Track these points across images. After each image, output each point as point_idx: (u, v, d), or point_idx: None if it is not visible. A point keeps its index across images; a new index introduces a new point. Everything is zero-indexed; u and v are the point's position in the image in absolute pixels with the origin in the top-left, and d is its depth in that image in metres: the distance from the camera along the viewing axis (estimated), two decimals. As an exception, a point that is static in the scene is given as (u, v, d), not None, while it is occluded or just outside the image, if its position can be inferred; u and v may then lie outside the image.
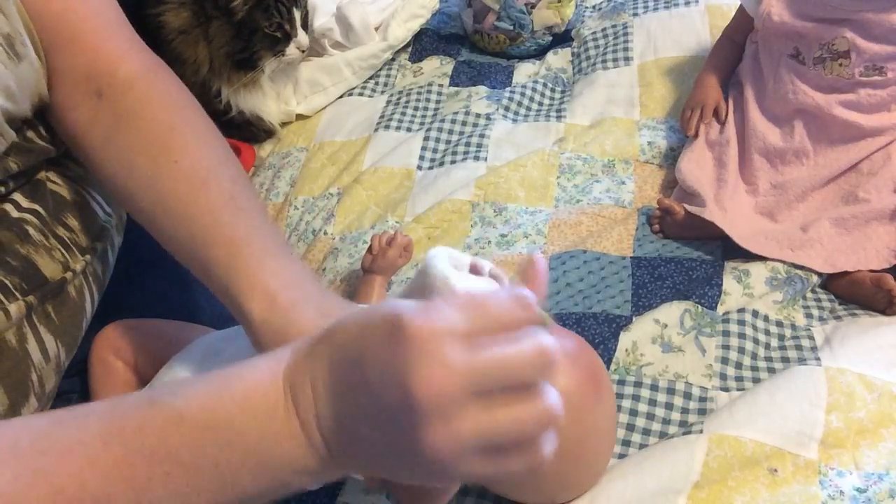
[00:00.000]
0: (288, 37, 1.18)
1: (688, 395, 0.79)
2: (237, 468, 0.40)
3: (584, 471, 0.66)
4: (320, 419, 0.40)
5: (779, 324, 0.86)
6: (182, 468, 0.39)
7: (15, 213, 0.64)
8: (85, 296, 0.71)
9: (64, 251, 0.68)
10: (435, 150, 1.18)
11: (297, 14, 1.18)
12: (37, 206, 0.67)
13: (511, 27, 1.36)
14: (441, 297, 0.41)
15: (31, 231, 0.65)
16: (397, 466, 0.40)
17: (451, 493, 0.48)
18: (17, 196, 0.66)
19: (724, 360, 0.82)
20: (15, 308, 0.61)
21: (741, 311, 0.86)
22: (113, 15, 0.66)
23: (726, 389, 0.79)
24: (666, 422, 0.77)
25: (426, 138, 1.20)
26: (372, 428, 0.39)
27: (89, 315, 0.72)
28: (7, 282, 0.61)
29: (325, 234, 1.08)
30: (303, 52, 1.22)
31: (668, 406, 0.78)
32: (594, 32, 1.36)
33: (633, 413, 0.77)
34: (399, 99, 1.31)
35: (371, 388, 0.38)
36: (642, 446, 0.75)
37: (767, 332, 0.85)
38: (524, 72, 1.35)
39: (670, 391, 0.79)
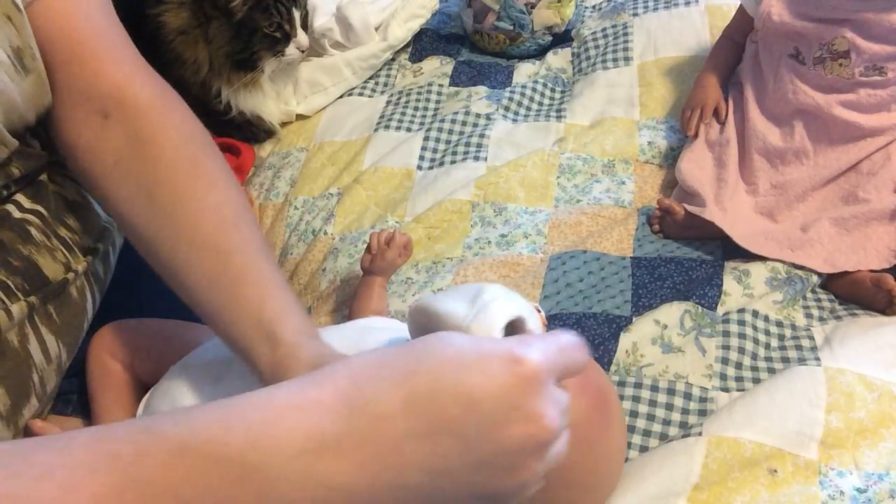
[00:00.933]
0: (287, 37, 1.18)
1: (688, 396, 0.79)
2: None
3: (592, 496, 0.65)
4: (386, 460, 0.37)
5: (779, 324, 0.86)
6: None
7: (17, 214, 0.65)
8: (86, 296, 0.71)
9: (66, 252, 0.68)
10: (435, 150, 1.18)
11: (296, 14, 1.18)
12: (39, 207, 0.67)
13: (511, 27, 1.36)
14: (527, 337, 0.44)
15: (33, 231, 0.65)
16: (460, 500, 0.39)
17: None
18: (19, 197, 0.66)
19: (725, 361, 0.82)
20: (17, 308, 0.61)
21: (741, 311, 0.86)
22: (118, 38, 0.65)
23: (726, 390, 0.79)
24: (666, 423, 0.77)
25: (426, 138, 1.20)
26: (458, 468, 0.37)
27: (90, 316, 0.73)
28: (9, 282, 0.61)
29: (325, 234, 1.08)
30: (302, 52, 1.22)
31: (669, 407, 0.78)
32: (594, 32, 1.36)
33: (634, 414, 0.77)
34: (399, 99, 1.31)
35: (481, 422, 0.37)
36: (643, 447, 0.75)
37: (767, 333, 0.85)
38: (524, 72, 1.35)
39: (670, 392, 0.79)
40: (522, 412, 0.37)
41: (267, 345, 0.56)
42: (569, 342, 0.42)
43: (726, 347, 0.83)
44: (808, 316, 0.88)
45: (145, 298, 0.79)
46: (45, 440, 0.36)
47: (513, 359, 0.38)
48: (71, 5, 0.61)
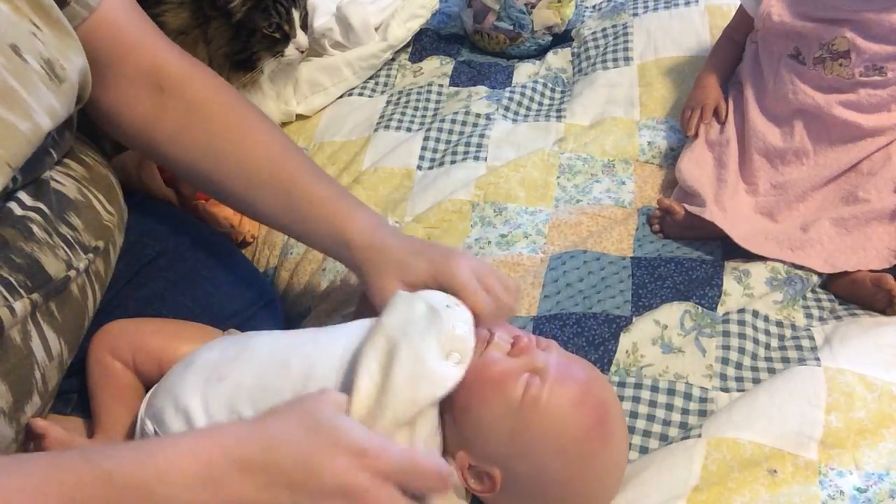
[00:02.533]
0: (287, 37, 1.18)
1: (688, 396, 0.79)
2: None
3: None
4: (240, 498, 0.51)
5: (779, 324, 0.86)
6: None
7: (19, 211, 0.65)
8: (88, 294, 0.71)
9: (67, 249, 0.68)
10: (435, 150, 1.18)
11: (295, 15, 1.18)
12: (41, 205, 0.67)
13: (511, 27, 1.36)
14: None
15: (35, 229, 0.66)
16: None
17: None
18: (21, 195, 0.66)
19: (725, 361, 0.82)
20: (20, 306, 0.61)
21: (741, 311, 0.86)
22: (149, 23, 0.77)
23: (726, 390, 0.79)
24: (666, 423, 0.77)
25: (426, 138, 1.20)
26: None
27: (91, 313, 0.73)
28: (12, 279, 0.62)
29: (325, 234, 1.08)
30: (302, 52, 1.21)
31: (669, 407, 0.78)
32: (594, 32, 1.36)
33: (634, 415, 0.77)
34: (399, 99, 1.31)
35: (313, 497, 0.51)
36: (642, 448, 0.75)
37: (767, 333, 0.85)
38: (524, 72, 1.35)
39: (671, 392, 0.79)
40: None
41: (346, 250, 0.73)
42: (428, 466, 0.54)
43: (726, 347, 0.83)
44: (808, 316, 0.88)
45: (146, 298, 0.80)
46: (10, 461, 0.49)
47: (358, 455, 0.51)
48: (112, 7, 0.72)
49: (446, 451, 0.63)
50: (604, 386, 0.67)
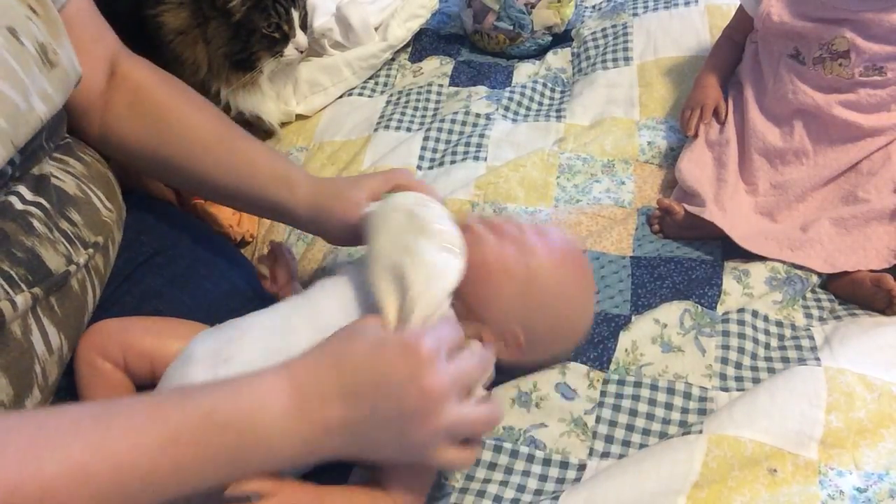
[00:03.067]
0: (286, 38, 1.18)
1: (687, 395, 0.79)
2: (246, 453, 0.53)
3: (563, 335, 0.78)
4: (328, 420, 0.55)
5: (778, 324, 0.86)
6: (207, 450, 0.51)
7: (19, 206, 0.66)
8: (87, 289, 0.72)
9: (67, 244, 0.69)
10: (435, 150, 1.18)
11: (295, 15, 1.18)
12: (41, 200, 0.68)
13: (511, 27, 1.36)
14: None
15: (36, 223, 0.66)
16: (391, 452, 0.58)
17: (426, 474, 0.67)
18: (21, 189, 0.67)
19: (724, 360, 0.82)
20: (21, 299, 0.62)
21: (741, 311, 0.86)
22: (101, 17, 0.81)
23: (726, 389, 0.79)
24: (666, 422, 0.77)
25: (426, 138, 1.20)
26: (377, 425, 0.55)
27: (91, 309, 0.73)
28: (13, 273, 0.62)
29: (325, 234, 1.08)
30: (301, 52, 1.21)
31: (668, 406, 0.78)
32: (594, 32, 1.36)
33: (633, 413, 0.77)
34: (399, 99, 1.31)
35: (389, 392, 0.55)
36: (642, 446, 0.75)
37: (767, 332, 0.85)
38: (524, 72, 1.35)
39: (670, 391, 0.79)
40: (416, 386, 0.55)
41: (287, 189, 0.77)
42: (451, 333, 0.60)
43: (726, 347, 0.83)
44: (808, 316, 0.88)
45: (143, 294, 0.80)
46: (116, 402, 0.54)
47: (406, 346, 0.56)
48: (81, 3, 0.76)
49: (466, 336, 0.68)
50: (564, 235, 0.78)
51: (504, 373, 0.79)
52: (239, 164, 0.78)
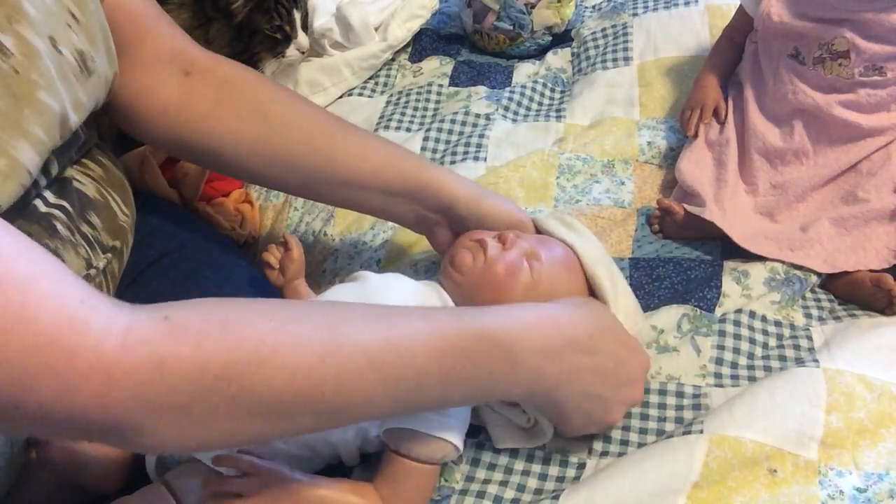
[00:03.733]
0: (288, 38, 1.18)
1: (680, 395, 0.79)
2: (501, 379, 0.60)
3: None
4: (573, 364, 0.65)
5: (777, 324, 0.86)
6: (475, 368, 0.57)
7: (43, 208, 0.66)
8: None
9: (88, 248, 0.69)
10: (434, 151, 1.18)
11: (296, 15, 1.18)
12: (64, 203, 0.68)
13: (511, 27, 1.36)
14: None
15: (59, 226, 0.67)
16: (588, 407, 0.69)
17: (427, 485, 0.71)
18: (45, 192, 0.67)
19: (719, 361, 0.82)
20: None
21: (738, 311, 0.86)
22: (164, 14, 0.80)
23: (721, 386, 0.79)
24: (661, 420, 0.77)
25: (426, 138, 1.20)
26: (600, 382, 0.68)
27: None
28: None
29: (325, 235, 1.08)
30: (302, 53, 1.22)
31: (662, 406, 0.78)
32: (594, 32, 1.36)
33: (627, 414, 0.77)
34: (399, 99, 1.31)
35: (621, 361, 0.69)
36: (640, 445, 0.75)
37: (765, 332, 0.85)
38: (524, 72, 1.35)
39: (661, 392, 0.79)
40: (640, 370, 0.72)
41: (449, 196, 0.82)
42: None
43: (721, 347, 0.83)
44: (808, 316, 0.88)
45: (149, 297, 0.80)
46: (397, 309, 0.61)
47: (639, 350, 0.73)
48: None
49: None
50: (564, 245, 0.81)
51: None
52: (355, 154, 0.79)
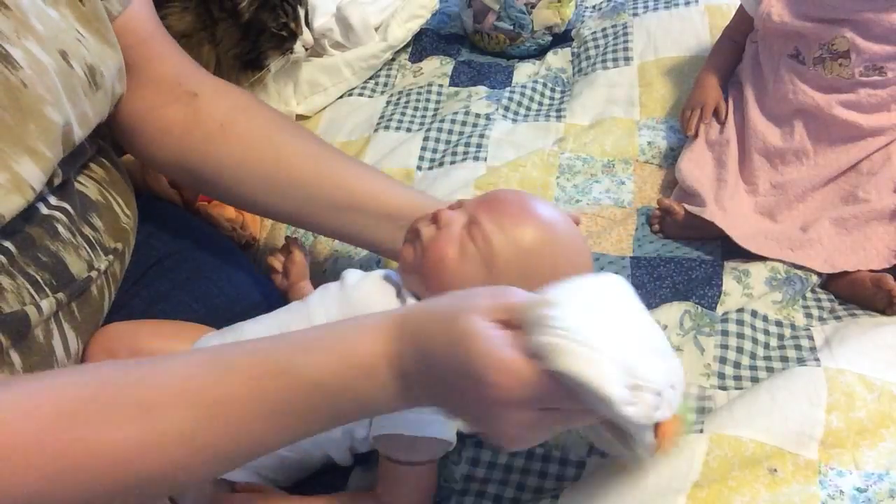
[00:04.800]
0: (294, 35, 1.18)
1: (685, 395, 0.79)
2: (345, 414, 0.52)
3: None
4: (421, 400, 0.51)
5: (778, 324, 0.86)
6: (309, 416, 0.51)
7: (45, 210, 0.66)
8: (105, 295, 0.73)
9: (89, 250, 0.70)
10: (435, 151, 1.18)
11: (301, 12, 1.19)
12: (65, 205, 0.68)
13: (511, 27, 1.36)
14: None
15: (60, 228, 0.67)
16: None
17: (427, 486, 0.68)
18: (47, 196, 0.67)
19: (723, 360, 0.82)
20: (46, 304, 0.62)
21: (740, 310, 0.86)
22: (171, 38, 0.80)
23: (724, 388, 0.79)
24: (665, 420, 0.77)
25: (426, 138, 1.20)
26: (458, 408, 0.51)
27: (105, 313, 0.74)
28: (38, 277, 0.63)
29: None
30: (307, 49, 1.22)
31: (667, 406, 0.78)
32: (594, 32, 1.36)
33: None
34: (399, 99, 1.31)
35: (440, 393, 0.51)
36: (642, 445, 0.75)
37: (767, 332, 0.85)
38: (524, 72, 1.35)
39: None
40: (495, 412, 0.48)
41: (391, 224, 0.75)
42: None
43: (724, 347, 0.83)
44: (808, 316, 0.88)
45: (151, 298, 0.81)
46: (226, 382, 0.50)
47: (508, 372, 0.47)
48: (143, 13, 0.74)
49: None
50: (518, 193, 0.72)
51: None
52: (339, 190, 0.77)
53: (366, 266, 0.99)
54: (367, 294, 0.71)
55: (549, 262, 0.66)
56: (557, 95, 1.29)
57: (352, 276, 0.75)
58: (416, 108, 1.28)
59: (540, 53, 1.41)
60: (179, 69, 0.78)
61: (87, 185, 0.73)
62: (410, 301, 0.70)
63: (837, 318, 0.88)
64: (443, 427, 0.67)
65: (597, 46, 1.34)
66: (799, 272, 0.91)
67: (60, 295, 0.64)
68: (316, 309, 0.71)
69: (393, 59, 1.41)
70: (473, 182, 1.09)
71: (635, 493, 0.67)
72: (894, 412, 0.72)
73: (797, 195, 0.97)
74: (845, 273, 0.90)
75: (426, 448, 0.66)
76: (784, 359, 0.81)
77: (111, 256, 0.72)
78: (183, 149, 0.77)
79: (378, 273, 0.74)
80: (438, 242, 0.66)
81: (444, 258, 0.66)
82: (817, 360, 0.77)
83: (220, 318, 0.77)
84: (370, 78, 1.38)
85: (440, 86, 1.32)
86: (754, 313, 0.86)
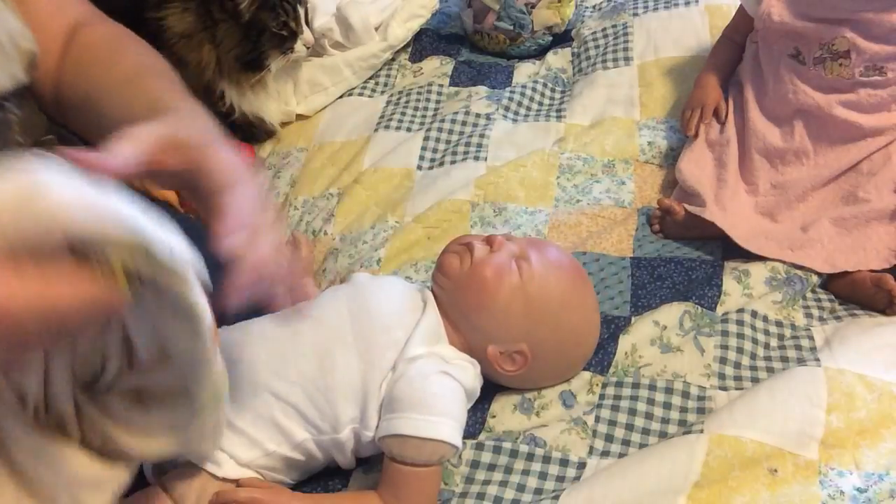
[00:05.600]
0: (294, 34, 1.19)
1: (686, 395, 0.79)
2: None
3: (567, 355, 0.79)
4: None
5: (778, 324, 0.86)
6: None
7: None
8: None
9: None
10: (435, 150, 1.18)
11: (301, 12, 1.19)
12: None
13: (511, 27, 1.36)
14: None
15: None
16: None
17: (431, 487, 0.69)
18: None
19: (723, 360, 0.82)
20: None
21: (740, 311, 0.86)
22: None
23: (725, 389, 0.79)
24: (665, 421, 0.77)
25: (426, 138, 1.20)
26: None
27: None
28: None
29: (326, 234, 1.08)
30: (307, 49, 1.22)
31: (667, 406, 0.78)
32: (594, 32, 1.36)
33: (632, 412, 0.78)
34: (399, 99, 1.31)
35: None
36: (642, 446, 0.75)
37: (767, 333, 0.85)
38: (524, 72, 1.35)
39: (668, 391, 0.79)
40: None
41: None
42: None
43: (724, 347, 0.83)
44: (808, 316, 0.88)
45: None
46: None
47: None
48: None
49: (474, 354, 0.74)
50: (558, 247, 0.82)
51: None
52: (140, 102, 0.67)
53: (367, 264, 1.00)
54: (388, 300, 0.74)
55: (575, 316, 0.76)
56: (557, 95, 1.29)
57: (363, 279, 0.77)
58: (416, 108, 1.28)
59: (540, 53, 1.41)
60: (66, 21, 0.72)
61: None
62: (430, 303, 0.74)
63: (837, 318, 0.88)
64: (451, 430, 0.67)
65: (597, 46, 1.34)
66: (799, 272, 0.91)
67: None
68: (327, 311, 0.72)
69: (393, 59, 1.41)
70: (474, 182, 1.09)
71: (636, 494, 0.67)
72: (894, 412, 0.72)
73: (797, 195, 0.97)
74: (845, 273, 0.90)
75: (433, 451, 0.67)
76: (784, 359, 0.81)
77: None
78: (57, 94, 0.71)
79: (395, 279, 0.79)
80: (489, 262, 0.73)
81: (502, 276, 0.72)
82: (817, 360, 0.77)
83: (220, 319, 0.77)
84: (370, 78, 1.38)
85: (440, 86, 1.32)
86: (754, 313, 0.86)
